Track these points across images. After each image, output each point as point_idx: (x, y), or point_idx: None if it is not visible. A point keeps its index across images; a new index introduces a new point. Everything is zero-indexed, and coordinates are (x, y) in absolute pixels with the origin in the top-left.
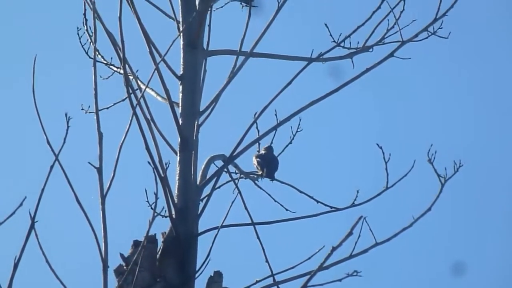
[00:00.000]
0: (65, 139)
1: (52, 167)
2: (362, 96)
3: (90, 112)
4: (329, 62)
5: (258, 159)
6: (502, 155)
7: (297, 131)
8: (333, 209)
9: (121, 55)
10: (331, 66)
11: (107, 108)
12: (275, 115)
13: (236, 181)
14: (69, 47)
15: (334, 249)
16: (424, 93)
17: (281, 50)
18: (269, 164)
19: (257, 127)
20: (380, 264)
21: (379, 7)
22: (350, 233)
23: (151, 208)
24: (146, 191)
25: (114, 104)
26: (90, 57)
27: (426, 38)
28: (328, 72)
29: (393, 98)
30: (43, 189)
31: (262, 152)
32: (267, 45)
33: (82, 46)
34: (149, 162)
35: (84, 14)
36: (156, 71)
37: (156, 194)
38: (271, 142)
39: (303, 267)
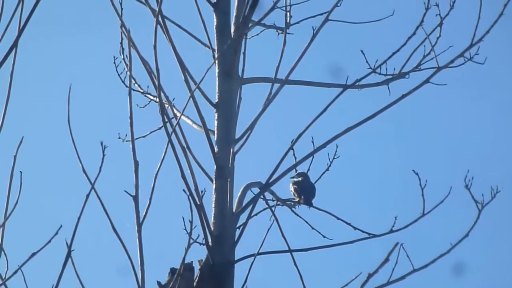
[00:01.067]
0: (100, 167)
1: (88, 195)
2: (398, 122)
3: (126, 141)
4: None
5: (295, 185)
6: None
7: (334, 158)
8: (370, 235)
9: (157, 83)
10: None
11: (144, 136)
12: (312, 142)
13: (273, 208)
14: (107, 76)
15: (370, 275)
16: (461, 118)
17: (316, 77)
18: (307, 191)
19: (294, 154)
20: None
21: (414, 33)
22: (387, 260)
23: (188, 234)
24: (183, 218)
25: (151, 132)
26: (126, 86)
27: (463, 64)
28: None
29: (430, 124)
30: (79, 218)
31: (300, 179)
32: (302, 72)
33: (119, 75)
34: (184, 190)
35: (121, 43)
36: (191, 99)
37: (191, 221)
38: (308, 169)
39: None
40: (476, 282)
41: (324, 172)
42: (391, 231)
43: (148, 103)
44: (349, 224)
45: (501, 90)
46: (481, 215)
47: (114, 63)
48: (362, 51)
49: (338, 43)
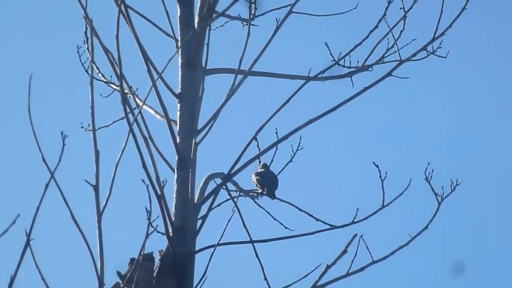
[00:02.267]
0: (60, 157)
1: (47, 185)
2: (361, 115)
3: (89, 130)
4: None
5: (257, 177)
6: (499, 174)
7: (297, 150)
8: (331, 227)
9: (118, 72)
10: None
11: (106, 126)
12: (276, 133)
13: (235, 199)
14: (71, 66)
15: (328, 267)
16: (423, 112)
17: (281, 69)
18: (269, 182)
19: (258, 145)
20: (377, 283)
21: (376, 26)
22: (345, 251)
23: (150, 225)
24: (146, 208)
25: (113, 122)
26: (89, 75)
27: (425, 57)
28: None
29: (391, 117)
30: (38, 207)
31: (262, 170)
32: (266, 64)
33: (82, 64)
34: (143, 180)
35: (85, 32)
36: (154, 88)
37: (150, 211)
38: (272, 161)
39: (300, 285)
40: (434, 274)
41: (287, 164)
42: (352, 223)
43: (111, 93)
44: (311, 215)
45: (463, 83)
46: (441, 207)
47: (78, 52)
48: (326, 44)
49: (302, 36)
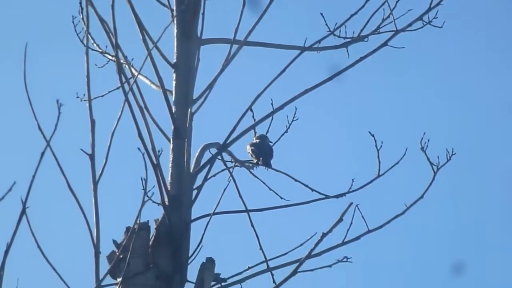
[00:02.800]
0: (56, 125)
1: (43, 153)
2: (356, 85)
3: (84, 100)
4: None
5: (253, 147)
6: (495, 144)
7: (293, 120)
8: (325, 196)
9: (114, 42)
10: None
11: (102, 96)
12: (271, 104)
13: (231, 169)
14: (67, 36)
15: (324, 235)
16: (418, 82)
17: (277, 39)
18: (264, 152)
19: (253, 116)
20: (373, 252)
21: None
22: (340, 220)
23: (146, 194)
24: (141, 178)
25: (109, 92)
26: (84, 45)
27: (421, 27)
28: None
29: (387, 86)
30: (34, 175)
31: (257, 141)
32: (263, 34)
33: (77, 34)
34: (139, 149)
35: (80, 2)
36: (149, 58)
37: (146, 179)
38: (267, 131)
39: (297, 254)
40: (430, 242)
41: (282, 134)
42: (347, 192)
43: (107, 63)
44: (306, 186)
45: (458, 53)
46: (436, 177)
47: (73, 22)
48: (321, 14)
49: (298, 6)
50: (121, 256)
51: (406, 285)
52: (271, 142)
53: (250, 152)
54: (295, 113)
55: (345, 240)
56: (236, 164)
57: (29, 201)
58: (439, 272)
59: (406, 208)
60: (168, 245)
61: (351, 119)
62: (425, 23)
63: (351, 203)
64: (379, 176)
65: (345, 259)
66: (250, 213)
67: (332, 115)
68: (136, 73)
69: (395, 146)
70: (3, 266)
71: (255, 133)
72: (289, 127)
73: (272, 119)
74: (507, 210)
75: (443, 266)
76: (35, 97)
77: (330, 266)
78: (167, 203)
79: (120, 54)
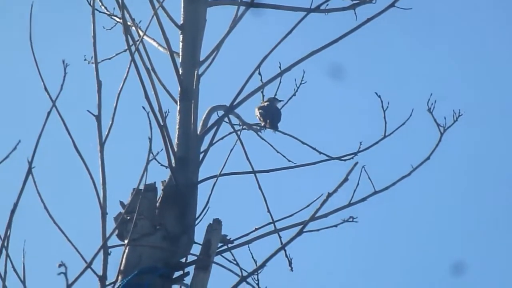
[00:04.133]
0: (62, 85)
1: (49, 112)
2: (363, 46)
3: (92, 63)
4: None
5: (260, 110)
6: (502, 105)
7: (301, 83)
8: (331, 158)
9: (120, 1)
10: None
11: (109, 58)
12: (279, 67)
13: (239, 132)
14: None
15: (329, 195)
16: (425, 42)
17: (284, 1)
18: (272, 115)
19: (261, 79)
20: (379, 213)
21: None
22: (346, 179)
23: (151, 153)
24: (149, 138)
25: (116, 54)
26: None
27: None
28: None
29: (393, 47)
30: (40, 135)
31: (265, 104)
32: None
33: None
34: (143, 107)
35: None
36: (156, 19)
37: (151, 139)
38: (275, 94)
39: (305, 215)
40: (435, 204)
41: (290, 97)
42: (353, 153)
43: (115, 25)
44: (314, 148)
45: (466, 15)
46: (443, 138)
47: None
48: None
49: None
50: (128, 217)
51: (410, 247)
52: (282, 100)
53: (258, 115)
54: (303, 76)
55: (351, 201)
56: (244, 127)
57: (35, 161)
58: (444, 235)
59: (413, 169)
60: (175, 206)
61: (358, 81)
62: None
63: (357, 163)
64: (385, 137)
65: (351, 219)
66: (257, 174)
67: (338, 78)
68: (142, 34)
69: (402, 107)
70: (10, 225)
71: (263, 96)
72: (297, 90)
73: (280, 82)
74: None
75: (447, 230)
76: (41, 58)
77: (336, 226)
78: (173, 164)
79: (127, 16)
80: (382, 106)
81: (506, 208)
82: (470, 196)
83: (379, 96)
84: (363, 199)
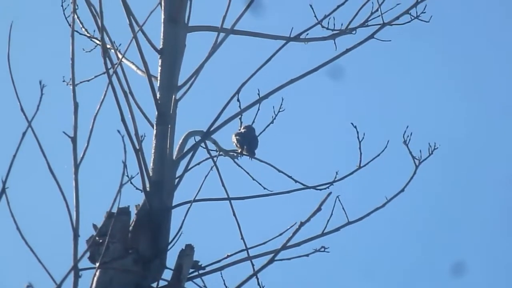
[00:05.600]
0: (38, 106)
1: (24, 133)
2: (342, 77)
3: (70, 84)
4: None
5: (237, 137)
6: (477, 139)
7: (279, 111)
8: (305, 187)
9: (99, 24)
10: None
11: (88, 80)
12: (258, 94)
13: (215, 158)
14: (57, 19)
15: (302, 224)
16: (403, 75)
17: (266, 29)
18: (249, 142)
19: (239, 105)
20: (352, 243)
21: None
22: (319, 209)
23: (128, 179)
24: (123, 162)
25: (95, 76)
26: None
27: (409, 22)
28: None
29: (371, 79)
30: (15, 155)
31: (242, 130)
32: (253, 23)
33: (66, 18)
34: (119, 131)
35: None
36: (135, 43)
37: (125, 162)
38: (253, 121)
39: (278, 243)
40: (409, 236)
41: (268, 125)
42: (328, 183)
43: (94, 48)
44: (290, 177)
45: (444, 48)
46: (418, 171)
47: (62, 6)
48: (311, 6)
49: None
50: (100, 240)
51: (381, 278)
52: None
53: (235, 142)
54: (281, 104)
55: (324, 231)
56: (220, 153)
57: (9, 181)
58: (415, 265)
59: (387, 201)
60: (148, 230)
61: (335, 111)
62: (412, 17)
63: (330, 193)
64: (360, 167)
65: (322, 249)
66: (232, 201)
67: (318, 107)
68: (121, 57)
69: (378, 139)
70: None
71: (241, 123)
72: (275, 118)
73: (259, 109)
74: (487, 206)
75: (419, 260)
76: (19, 78)
77: (307, 255)
78: (148, 188)
79: (107, 39)
80: (358, 137)
81: (478, 243)
82: (442, 229)
83: (355, 127)
84: (337, 229)
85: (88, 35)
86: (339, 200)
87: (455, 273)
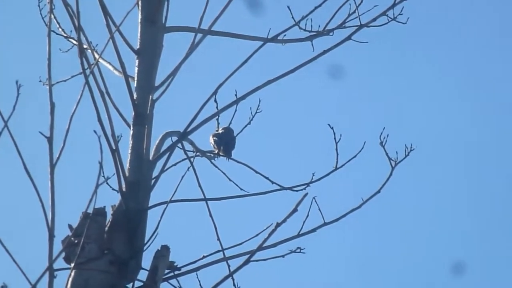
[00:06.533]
0: (14, 106)
1: (0, 133)
2: (318, 78)
3: (46, 84)
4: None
5: (215, 137)
6: (453, 140)
7: (256, 112)
8: (282, 188)
9: (76, 23)
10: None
11: (64, 81)
12: (235, 95)
13: (192, 159)
14: (35, 19)
15: (278, 225)
16: (379, 76)
17: (242, 30)
18: (226, 142)
19: (217, 106)
20: (328, 244)
21: None
22: (295, 210)
23: (104, 179)
24: (99, 163)
25: (72, 77)
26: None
27: (386, 23)
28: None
29: (348, 80)
30: None
31: (220, 131)
32: (232, 23)
33: (43, 18)
34: (95, 131)
35: None
36: (112, 43)
37: (101, 163)
38: (230, 122)
39: (254, 243)
40: (385, 237)
41: (245, 126)
42: (304, 184)
43: (71, 48)
44: (267, 178)
45: (422, 50)
46: (394, 172)
47: (39, 6)
48: (288, 7)
49: None
50: (76, 240)
51: (357, 279)
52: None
53: (212, 142)
54: (258, 105)
55: (301, 232)
56: (197, 153)
57: None
58: (390, 265)
59: (363, 202)
60: (123, 231)
61: (312, 112)
62: (390, 19)
63: (306, 194)
64: (336, 169)
65: (298, 250)
66: (208, 202)
67: (294, 108)
68: (98, 58)
69: (355, 140)
70: None
71: (218, 124)
72: (252, 119)
73: (236, 110)
74: (462, 207)
75: (394, 260)
76: None
77: (283, 256)
78: (124, 189)
79: (83, 39)
80: (335, 138)
81: (453, 244)
82: (418, 231)
83: (332, 128)
84: (313, 230)
85: (65, 35)
86: (316, 201)
87: (432, 274)
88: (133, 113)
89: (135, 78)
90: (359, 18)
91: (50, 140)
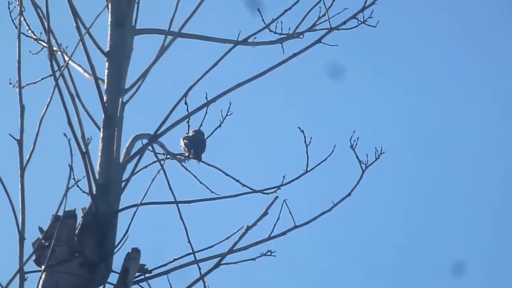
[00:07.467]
0: None
1: None
2: (289, 81)
3: (16, 86)
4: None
5: (185, 140)
6: (423, 144)
7: (226, 115)
8: (253, 191)
9: (46, 26)
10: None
11: (34, 83)
12: (206, 97)
13: (162, 161)
14: (3, 20)
15: (248, 228)
16: (349, 80)
17: (212, 32)
18: (196, 145)
19: (187, 109)
20: (298, 247)
21: None
22: (265, 213)
23: (74, 182)
24: (70, 166)
25: (42, 79)
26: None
27: (356, 26)
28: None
29: (319, 83)
30: None
31: (190, 134)
32: (197, 26)
33: (13, 20)
34: (65, 134)
35: None
36: (82, 46)
37: (71, 166)
38: (201, 125)
39: (225, 246)
40: (355, 239)
41: (216, 129)
42: (274, 187)
43: (41, 50)
44: (237, 180)
45: (391, 52)
46: (364, 175)
47: (9, 8)
48: (258, 10)
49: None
50: (46, 243)
51: (327, 282)
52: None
53: (183, 145)
54: (229, 108)
55: (271, 235)
56: (168, 156)
57: None
58: (362, 269)
59: (334, 205)
60: (94, 233)
61: (283, 115)
62: (360, 22)
63: (277, 197)
64: (306, 172)
65: (269, 253)
66: (179, 204)
67: (265, 111)
68: (67, 60)
69: (325, 143)
70: None
71: (189, 126)
72: (222, 122)
73: (206, 113)
74: (432, 212)
75: (365, 264)
76: None
77: (253, 259)
78: (94, 192)
79: (53, 41)
80: (305, 141)
81: (421, 247)
82: (389, 233)
83: (302, 131)
84: (283, 233)
85: (35, 37)
86: (286, 204)
87: (402, 275)
88: (103, 116)
89: (105, 81)
90: (329, 21)
91: (20, 142)
